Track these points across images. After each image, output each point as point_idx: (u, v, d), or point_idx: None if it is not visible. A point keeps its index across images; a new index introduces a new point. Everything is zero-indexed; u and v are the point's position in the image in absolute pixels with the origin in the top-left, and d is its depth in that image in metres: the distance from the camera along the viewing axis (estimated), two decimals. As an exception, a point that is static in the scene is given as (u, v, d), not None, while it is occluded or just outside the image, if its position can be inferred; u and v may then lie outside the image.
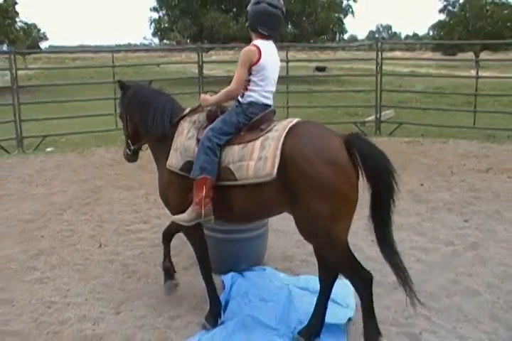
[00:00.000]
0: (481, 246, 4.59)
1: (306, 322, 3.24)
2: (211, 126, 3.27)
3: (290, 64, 10.74)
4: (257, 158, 3.03)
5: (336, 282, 3.82)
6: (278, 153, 2.97)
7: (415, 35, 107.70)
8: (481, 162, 7.65)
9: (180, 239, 4.85)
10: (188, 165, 3.24)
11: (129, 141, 3.80)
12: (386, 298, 3.69)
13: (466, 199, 5.93)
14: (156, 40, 32.67)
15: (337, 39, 31.25)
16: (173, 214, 3.44)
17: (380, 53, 10.13)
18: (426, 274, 4.06)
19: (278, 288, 3.81)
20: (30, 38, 28.00)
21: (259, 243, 4.18)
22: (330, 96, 15.15)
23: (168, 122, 3.49)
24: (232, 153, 3.15)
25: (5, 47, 24.22)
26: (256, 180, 3.01)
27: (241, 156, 3.11)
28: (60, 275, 4.21)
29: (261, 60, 3.26)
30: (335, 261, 3.09)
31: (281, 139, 3.00)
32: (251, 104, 3.30)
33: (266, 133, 3.13)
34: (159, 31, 29.15)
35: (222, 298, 3.67)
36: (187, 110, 3.55)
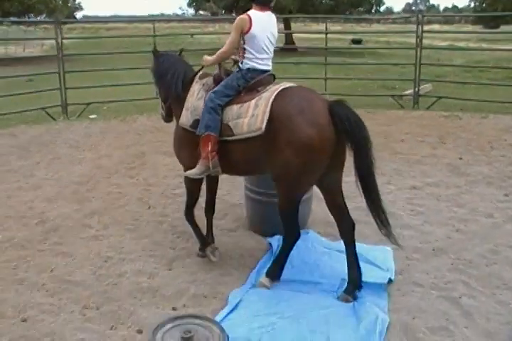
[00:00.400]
0: (520, 218, 4.68)
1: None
2: (214, 89, 3.65)
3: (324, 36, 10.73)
4: (250, 115, 3.41)
5: (377, 247, 4.02)
6: (267, 110, 3.34)
7: (454, 7, 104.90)
8: (522, 137, 7.63)
9: (225, 203, 5.10)
10: (196, 123, 3.63)
11: (162, 103, 4.21)
12: (425, 264, 3.84)
13: (506, 174, 5.98)
14: (191, 11, 32.58)
15: (373, 11, 30.73)
16: (185, 168, 3.87)
17: (420, 26, 10.02)
18: (465, 243, 4.19)
19: (319, 253, 3.98)
20: (68, 7, 28.18)
21: (304, 207, 4.34)
22: (366, 69, 15.07)
23: (180, 84, 3.88)
24: (232, 112, 3.53)
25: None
26: (249, 134, 3.40)
27: (238, 114, 3.49)
28: (113, 233, 4.46)
29: (251, 29, 3.54)
30: (283, 210, 3.50)
31: (271, 99, 3.37)
32: (249, 70, 3.63)
33: (261, 94, 3.48)
34: (195, 1, 29.04)
35: (266, 259, 3.87)
36: (198, 74, 3.90)
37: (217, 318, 3.05)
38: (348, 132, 3.28)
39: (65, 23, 13.68)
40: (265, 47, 3.64)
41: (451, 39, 29.31)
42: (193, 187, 3.99)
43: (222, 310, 3.18)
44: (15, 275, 3.75)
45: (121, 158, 6.82)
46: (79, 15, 32.53)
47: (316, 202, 4.68)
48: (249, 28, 3.52)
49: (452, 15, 61.38)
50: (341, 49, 20.14)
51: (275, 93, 3.39)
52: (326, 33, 11.24)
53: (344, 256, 3.81)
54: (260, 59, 3.63)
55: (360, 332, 2.93)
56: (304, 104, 3.32)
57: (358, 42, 25.86)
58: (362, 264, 3.66)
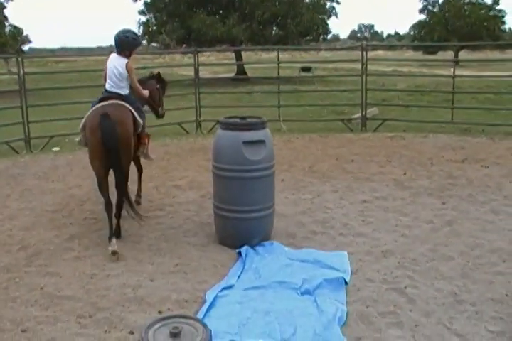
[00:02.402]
0: (455, 223, 5.34)
1: (309, 282, 3.95)
2: None
3: (275, 64, 11.43)
4: None
5: (333, 252, 4.59)
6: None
7: (397, 33, 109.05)
8: (458, 153, 8.44)
9: (194, 223, 5.57)
10: None
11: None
12: (376, 264, 4.40)
13: (444, 186, 6.68)
14: (144, 42, 33.13)
15: (320, 39, 32.00)
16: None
17: (365, 54, 10.85)
18: (409, 245, 4.79)
19: (284, 264, 4.43)
20: (19, 41, 28.32)
21: (268, 221, 4.91)
22: (316, 95, 15.88)
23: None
24: None
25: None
26: None
27: None
28: (94, 254, 4.84)
29: (106, 65, 5.42)
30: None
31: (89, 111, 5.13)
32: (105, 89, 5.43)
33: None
34: (147, 34, 29.67)
35: (238, 267, 4.37)
36: None
37: (199, 315, 3.51)
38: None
39: (28, 57, 13.98)
40: (109, 77, 5.36)
41: (396, 64, 30.80)
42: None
43: (201, 308, 3.65)
44: (7, 295, 4.06)
45: (90, 187, 7.16)
46: (26, 48, 32.51)
47: (277, 217, 5.23)
48: (106, 65, 5.45)
49: (394, 45, 63.95)
50: (292, 78, 20.96)
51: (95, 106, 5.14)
52: (278, 63, 11.95)
53: (304, 264, 4.36)
54: (108, 83, 5.39)
55: (322, 320, 3.44)
56: (92, 113, 5.06)
57: (307, 69, 26.81)
58: (321, 269, 4.23)
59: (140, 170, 6.35)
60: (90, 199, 6.58)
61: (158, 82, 6.25)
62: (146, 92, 5.77)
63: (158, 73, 6.39)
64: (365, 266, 4.38)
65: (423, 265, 4.35)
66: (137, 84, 5.56)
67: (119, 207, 5.18)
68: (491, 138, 9.59)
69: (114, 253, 4.71)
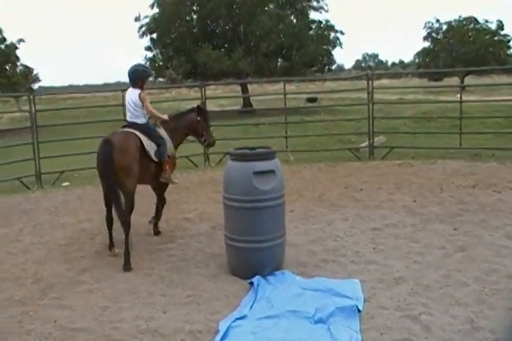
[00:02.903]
0: (468, 248, 5.30)
1: (322, 311, 3.93)
2: None
3: (281, 96, 11.54)
4: None
5: (345, 280, 4.57)
6: None
7: (401, 62, 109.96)
8: (468, 179, 8.40)
9: (206, 254, 5.57)
10: None
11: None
12: (388, 291, 4.37)
13: (456, 211, 6.65)
14: (150, 78, 33.69)
15: (326, 70, 32.40)
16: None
17: (371, 83, 10.97)
18: (422, 272, 4.76)
19: (296, 294, 4.42)
20: (29, 80, 28.96)
21: (279, 251, 4.91)
22: (323, 125, 15.99)
23: None
24: None
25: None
26: None
27: None
28: (106, 286, 4.85)
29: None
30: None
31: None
32: None
33: None
34: (154, 69, 30.21)
35: (250, 297, 4.36)
36: None
37: (213, 347, 3.50)
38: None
39: (39, 94, 14.37)
40: (128, 108, 6.04)
41: (401, 93, 31.02)
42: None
43: (215, 339, 3.63)
44: (21, 328, 4.08)
45: (101, 221, 7.12)
46: (35, 86, 33.22)
47: (288, 246, 5.22)
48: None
49: (399, 73, 64.51)
50: (298, 108, 21.16)
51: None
52: (285, 94, 12.11)
53: (317, 293, 4.34)
54: (127, 115, 6.14)
55: (337, 349, 3.41)
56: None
57: (313, 100, 27.08)
58: (333, 297, 4.21)
59: (162, 201, 6.54)
60: (101, 233, 6.59)
61: (198, 113, 6.59)
62: (164, 116, 6.34)
63: (198, 105, 6.86)
64: (377, 293, 4.34)
65: (437, 291, 4.31)
66: (151, 109, 6.06)
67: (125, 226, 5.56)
68: (501, 162, 9.54)
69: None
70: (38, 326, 4.10)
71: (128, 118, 6.08)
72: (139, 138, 5.70)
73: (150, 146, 5.82)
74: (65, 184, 10.13)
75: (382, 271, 4.82)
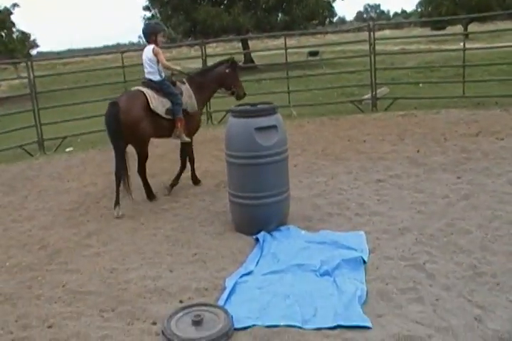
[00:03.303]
0: (471, 196, 5.29)
1: (327, 263, 3.95)
2: None
3: (282, 51, 11.33)
4: None
5: (350, 233, 4.59)
6: None
7: (403, 11, 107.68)
8: (471, 127, 8.32)
9: (210, 212, 5.59)
10: None
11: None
12: (393, 242, 4.39)
13: (459, 160, 6.61)
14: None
15: (327, 22, 31.72)
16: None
17: (372, 34, 10.71)
18: (426, 221, 4.76)
19: (301, 248, 4.45)
20: (27, 46, 28.53)
21: (283, 206, 4.92)
22: (325, 78, 15.73)
23: None
24: None
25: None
26: None
27: None
28: (112, 249, 4.89)
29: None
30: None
31: None
32: None
33: None
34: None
35: (256, 253, 4.38)
36: None
37: (220, 303, 3.54)
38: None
39: (37, 60, 14.15)
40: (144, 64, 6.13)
41: (403, 43, 30.43)
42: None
43: (222, 295, 3.67)
44: (31, 293, 4.13)
45: (105, 184, 7.23)
46: (34, 52, 32.83)
47: (292, 201, 5.21)
48: None
49: (401, 22, 63.07)
50: (300, 62, 20.79)
51: None
52: (286, 49, 11.87)
53: (322, 246, 4.37)
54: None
55: (342, 300, 3.44)
56: None
57: (314, 54, 26.56)
58: (339, 249, 4.23)
59: (187, 155, 6.74)
60: (106, 196, 6.62)
61: (228, 66, 6.50)
62: (176, 67, 6.53)
63: (228, 59, 6.68)
64: (382, 244, 4.36)
65: (441, 240, 4.32)
66: (165, 63, 6.10)
67: (140, 175, 6.25)
68: (505, 109, 9.41)
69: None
70: (46, 291, 4.14)
71: (145, 75, 6.17)
72: (146, 97, 5.86)
73: (160, 104, 5.95)
74: (68, 149, 10.12)
75: (387, 222, 4.82)
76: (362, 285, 3.64)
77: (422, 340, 2.98)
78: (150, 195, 6.30)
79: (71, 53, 62.17)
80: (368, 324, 3.17)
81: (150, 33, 6.09)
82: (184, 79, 6.40)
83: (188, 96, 6.23)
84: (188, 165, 6.68)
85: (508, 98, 10.11)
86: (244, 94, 6.73)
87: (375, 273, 3.85)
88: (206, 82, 6.45)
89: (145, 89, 5.95)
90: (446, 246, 4.18)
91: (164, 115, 5.98)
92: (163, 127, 6.05)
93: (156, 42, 6.09)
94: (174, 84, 6.22)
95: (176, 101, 6.03)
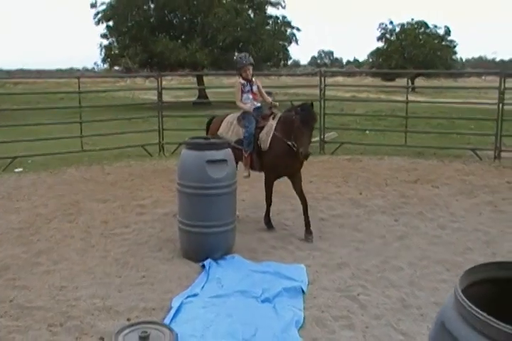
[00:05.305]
0: (405, 237, 5.74)
1: (269, 291, 4.23)
2: None
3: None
4: None
5: (292, 265, 4.88)
6: None
7: (356, 60, 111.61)
8: (411, 174, 8.92)
9: (159, 239, 5.78)
10: None
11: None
12: (331, 275, 4.72)
13: (397, 204, 7.10)
14: (106, 66, 33.23)
15: (281, 65, 32.74)
16: None
17: (323, 80, 11.35)
18: (363, 258, 5.13)
19: (245, 275, 4.73)
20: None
21: (230, 236, 5.20)
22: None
23: None
24: None
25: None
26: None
27: None
28: (63, 268, 5.00)
29: None
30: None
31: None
32: None
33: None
34: (110, 57, 29.87)
35: (202, 278, 4.62)
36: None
37: (166, 321, 3.75)
38: None
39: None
40: None
41: (354, 91, 31.70)
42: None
43: (168, 314, 3.88)
44: (-24, 308, 4.21)
45: (56, 206, 7.31)
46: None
47: (239, 234, 5.50)
48: None
49: (353, 72, 65.50)
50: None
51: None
52: (239, 88, 12.35)
53: (265, 275, 4.65)
54: None
55: (280, 323, 3.72)
56: None
57: (268, 94, 27.27)
58: (280, 279, 4.52)
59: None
60: (57, 218, 6.71)
61: (296, 113, 5.48)
62: (246, 106, 6.20)
63: (302, 104, 5.60)
64: (321, 276, 4.68)
65: (375, 275, 4.69)
66: (237, 100, 6.24)
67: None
68: (441, 160, 10.15)
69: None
70: (-7, 305, 4.23)
71: None
72: (222, 122, 6.33)
73: (231, 132, 6.18)
74: (17, 170, 10.08)
75: (327, 257, 5.17)
76: (300, 312, 3.93)
77: (350, 362, 3.28)
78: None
79: (23, 73, 61.24)
80: (303, 346, 3.45)
81: (235, 67, 6.31)
82: (278, 115, 5.97)
83: (265, 132, 5.83)
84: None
85: (445, 150, 10.89)
86: (305, 155, 5.33)
87: (312, 302, 4.15)
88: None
89: (231, 116, 6.32)
90: (379, 281, 4.55)
91: (233, 143, 5.81)
92: (235, 154, 5.56)
93: (239, 76, 6.26)
94: (266, 117, 6.05)
95: (243, 134, 6.01)
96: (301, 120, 5.36)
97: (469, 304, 1.56)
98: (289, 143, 5.49)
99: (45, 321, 3.92)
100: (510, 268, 1.86)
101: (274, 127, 5.77)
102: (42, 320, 3.93)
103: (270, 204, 6.20)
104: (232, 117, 6.27)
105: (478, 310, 1.53)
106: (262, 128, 5.90)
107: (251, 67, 6.27)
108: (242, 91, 6.23)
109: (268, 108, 6.21)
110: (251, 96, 6.27)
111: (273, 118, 5.94)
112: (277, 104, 6.33)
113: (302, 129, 5.35)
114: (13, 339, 3.69)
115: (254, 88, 6.33)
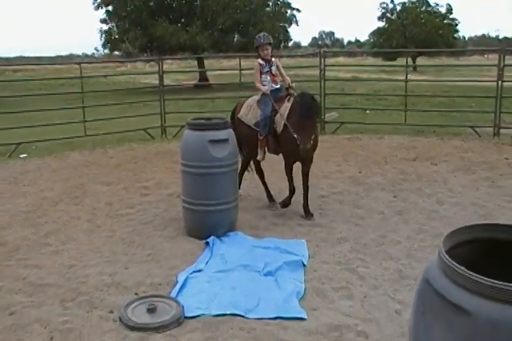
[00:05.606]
0: (404, 212, 5.88)
1: (270, 265, 4.38)
2: None
3: (236, 71, 11.85)
4: None
5: (293, 240, 5.03)
6: None
7: (357, 41, 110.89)
8: (410, 152, 9.03)
9: (164, 219, 5.93)
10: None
11: None
12: (331, 249, 4.87)
13: (396, 181, 7.23)
14: (106, 51, 33.18)
15: (282, 46, 32.65)
16: None
17: (323, 60, 11.40)
18: (362, 233, 5.28)
19: (247, 250, 4.88)
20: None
21: (232, 213, 5.35)
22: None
23: None
24: None
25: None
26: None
27: None
28: (71, 248, 5.17)
29: None
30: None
31: None
32: None
33: None
34: (110, 42, 29.82)
35: (206, 254, 4.78)
36: None
37: (172, 295, 3.91)
38: None
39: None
40: None
41: (355, 71, 31.63)
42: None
43: (174, 288, 4.05)
44: (-10, 286, 4.38)
45: (62, 189, 7.46)
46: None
47: (241, 211, 5.65)
48: None
49: (351, 52, 65.02)
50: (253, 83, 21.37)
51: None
52: (240, 70, 12.41)
53: (266, 250, 4.79)
54: None
55: (282, 294, 3.88)
56: None
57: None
58: (281, 254, 4.67)
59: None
60: (63, 200, 6.86)
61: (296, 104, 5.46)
62: (264, 88, 6.01)
63: (301, 95, 5.54)
64: (321, 251, 4.83)
65: (373, 249, 4.84)
66: (256, 81, 6.14)
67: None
68: (441, 138, 10.25)
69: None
70: (7, 283, 4.36)
71: None
72: (242, 105, 6.25)
73: (250, 114, 6.04)
74: (22, 156, 10.21)
75: (327, 233, 5.32)
76: (300, 284, 4.09)
77: (349, 329, 3.44)
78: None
79: (22, 60, 61.06)
80: (304, 315, 3.61)
81: (255, 47, 6.14)
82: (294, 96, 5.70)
83: (280, 115, 5.69)
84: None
85: (445, 128, 10.98)
86: (303, 148, 5.30)
87: (312, 275, 4.31)
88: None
89: (254, 97, 6.14)
90: (378, 254, 4.70)
91: (252, 126, 5.96)
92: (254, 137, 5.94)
93: (258, 56, 6.15)
94: (282, 99, 5.88)
95: (260, 116, 5.90)
96: (300, 114, 5.28)
97: (451, 260, 1.69)
98: (295, 135, 5.31)
99: (57, 297, 4.09)
100: (493, 229, 1.99)
101: (287, 113, 5.55)
102: (54, 296, 4.10)
103: (293, 192, 5.87)
104: (253, 100, 6.13)
105: (459, 266, 1.66)
106: (275, 110, 5.78)
107: (269, 47, 6.10)
108: (261, 72, 6.11)
109: (285, 89, 6.07)
110: (269, 78, 6.10)
111: (288, 101, 5.71)
112: (294, 85, 6.09)
113: (301, 122, 5.28)
114: (27, 313, 3.86)
115: (274, 69, 6.14)
